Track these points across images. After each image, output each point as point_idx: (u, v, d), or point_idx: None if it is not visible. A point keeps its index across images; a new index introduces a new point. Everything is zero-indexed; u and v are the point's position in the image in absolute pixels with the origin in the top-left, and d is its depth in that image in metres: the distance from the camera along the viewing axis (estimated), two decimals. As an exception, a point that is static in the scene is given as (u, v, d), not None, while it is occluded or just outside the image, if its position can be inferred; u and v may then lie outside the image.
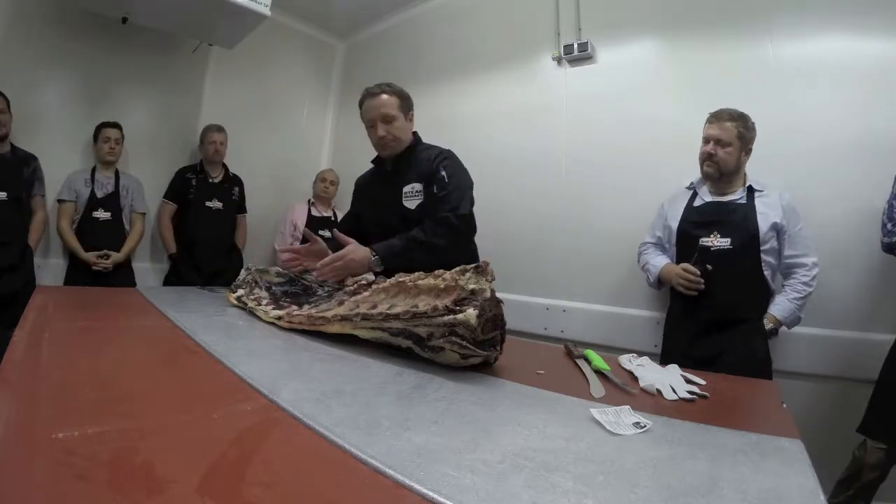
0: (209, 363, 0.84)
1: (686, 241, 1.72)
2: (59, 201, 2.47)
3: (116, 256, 2.51)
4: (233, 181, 2.98)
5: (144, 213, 2.74)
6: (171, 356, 0.92)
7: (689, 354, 1.60)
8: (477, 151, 2.80)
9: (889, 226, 1.52)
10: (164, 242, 2.85)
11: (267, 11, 2.40)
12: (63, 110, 2.61)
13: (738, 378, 1.07)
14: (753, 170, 1.75)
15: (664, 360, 1.68)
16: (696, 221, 1.71)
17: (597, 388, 0.82)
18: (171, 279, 2.80)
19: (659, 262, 1.81)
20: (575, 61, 2.50)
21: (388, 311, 0.93)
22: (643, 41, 2.34)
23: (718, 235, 1.63)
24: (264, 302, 1.32)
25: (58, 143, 2.57)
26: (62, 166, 2.54)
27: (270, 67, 3.49)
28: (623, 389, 0.82)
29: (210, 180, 2.87)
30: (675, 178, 2.12)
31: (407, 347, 0.94)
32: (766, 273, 1.64)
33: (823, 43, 1.89)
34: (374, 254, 1.39)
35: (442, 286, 0.91)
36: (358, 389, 0.74)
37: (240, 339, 1.06)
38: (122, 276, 2.55)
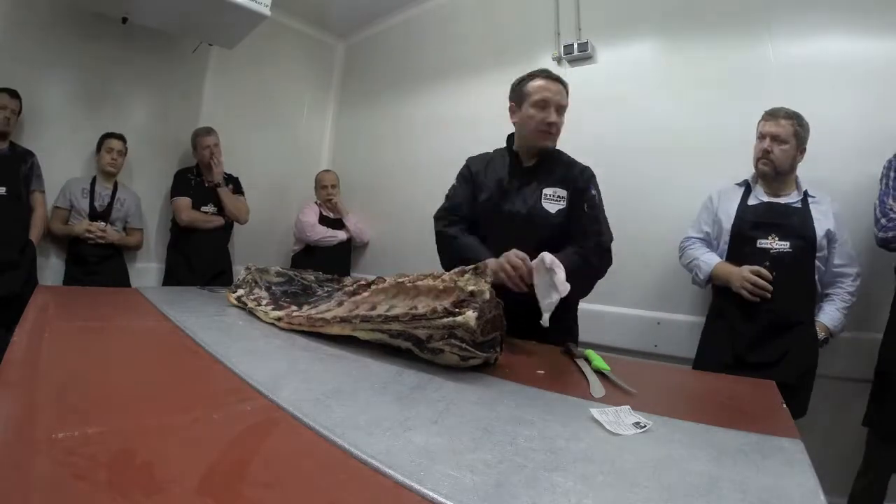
0: (209, 363, 0.84)
1: (741, 241, 1.65)
2: (55, 207, 2.46)
3: (111, 233, 2.49)
4: (227, 181, 2.93)
5: (142, 229, 2.73)
6: (172, 356, 0.92)
7: (747, 360, 1.56)
8: (477, 152, 2.80)
9: (883, 221, 1.52)
10: (202, 219, 2.79)
11: (267, 11, 2.40)
12: (63, 110, 2.61)
13: (739, 378, 1.08)
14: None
15: (702, 364, 1.67)
16: (752, 222, 1.64)
17: (597, 388, 0.82)
18: (167, 280, 2.79)
19: (710, 259, 1.71)
20: (575, 61, 2.50)
21: (388, 314, 0.93)
22: (643, 41, 2.34)
23: (777, 238, 1.58)
24: (264, 302, 1.32)
25: (57, 142, 2.56)
26: (61, 166, 2.53)
27: (270, 67, 3.49)
28: (624, 389, 0.82)
29: (206, 185, 2.85)
30: (676, 177, 2.13)
31: (406, 349, 0.94)
32: (817, 278, 1.62)
33: (823, 43, 1.89)
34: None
35: (441, 287, 0.91)
36: (358, 389, 0.74)
37: (240, 339, 1.06)
38: (115, 267, 2.55)
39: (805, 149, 1.64)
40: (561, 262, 1.15)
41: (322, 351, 1.00)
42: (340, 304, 1.12)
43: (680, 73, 2.21)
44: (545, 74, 1.47)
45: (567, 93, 1.50)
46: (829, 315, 1.61)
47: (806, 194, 1.64)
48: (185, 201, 2.77)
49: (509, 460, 0.52)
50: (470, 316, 0.81)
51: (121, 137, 2.56)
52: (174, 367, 0.87)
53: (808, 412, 1.66)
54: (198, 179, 2.84)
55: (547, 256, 1.13)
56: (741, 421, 0.70)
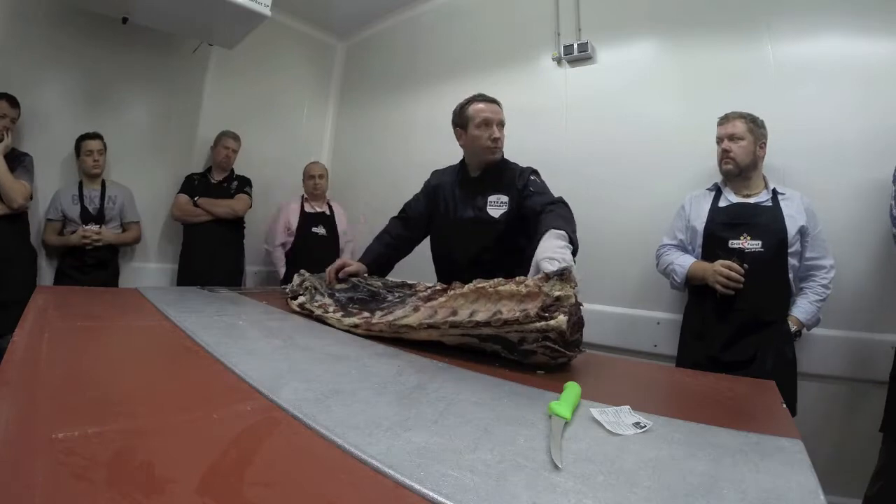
0: (209, 363, 0.84)
1: (714, 243, 1.68)
2: (48, 220, 2.45)
3: (106, 234, 2.48)
4: (231, 179, 2.93)
5: (138, 222, 2.71)
6: (171, 356, 0.92)
7: (721, 359, 1.59)
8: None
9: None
10: (191, 214, 2.80)
11: (267, 12, 2.40)
12: (63, 110, 2.61)
13: (738, 378, 1.07)
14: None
15: (682, 363, 1.69)
16: (724, 223, 1.68)
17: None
18: (180, 279, 2.80)
19: (685, 261, 1.74)
20: (575, 62, 2.50)
21: (478, 319, 0.97)
22: (643, 41, 2.34)
23: (749, 238, 1.61)
24: (331, 309, 1.32)
25: (57, 142, 2.56)
26: (61, 167, 2.54)
27: (270, 68, 3.49)
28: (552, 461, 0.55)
29: (211, 181, 2.86)
30: (675, 178, 2.13)
31: (493, 351, 1.00)
32: (790, 275, 1.64)
33: (823, 43, 1.89)
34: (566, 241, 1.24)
35: (524, 292, 0.97)
36: (358, 389, 0.74)
37: (240, 339, 1.06)
38: (108, 276, 2.54)
39: (765, 145, 1.69)
40: (558, 232, 1.25)
41: (322, 351, 1.00)
42: (417, 309, 1.14)
43: (680, 73, 2.21)
44: (482, 98, 1.68)
45: (502, 110, 1.68)
46: (802, 308, 1.62)
47: (775, 192, 1.67)
48: (181, 197, 2.80)
49: (509, 460, 0.52)
50: (562, 320, 0.88)
51: (97, 137, 2.52)
52: (174, 367, 0.87)
53: (808, 412, 1.66)
54: (203, 179, 2.85)
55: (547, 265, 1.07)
56: (741, 421, 0.70)
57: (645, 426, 0.65)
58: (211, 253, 2.79)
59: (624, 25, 2.37)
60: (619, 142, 2.31)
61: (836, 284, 1.72)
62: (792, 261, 1.61)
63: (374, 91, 3.59)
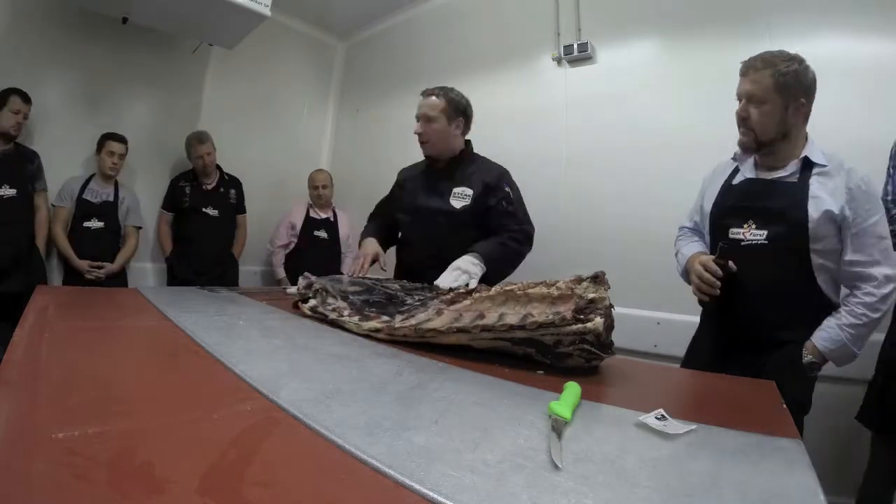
0: (209, 363, 0.84)
1: (716, 233, 1.32)
2: (54, 206, 2.47)
3: (110, 267, 2.51)
4: (229, 184, 2.96)
5: (140, 228, 2.73)
6: (171, 356, 0.92)
7: (742, 364, 1.16)
8: (476, 151, 2.80)
9: (894, 210, 1.46)
10: (162, 249, 2.88)
11: (267, 12, 2.40)
12: (63, 110, 2.61)
13: (738, 378, 1.06)
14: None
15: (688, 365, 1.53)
16: (730, 206, 1.30)
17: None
18: (170, 280, 2.80)
19: (689, 249, 1.39)
20: (575, 62, 2.50)
21: (510, 322, 0.96)
22: (643, 41, 2.34)
23: (753, 226, 1.22)
24: (346, 313, 1.27)
25: (57, 142, 2.57)
26: (61, 166, 2.53)
27: (270, 68, 3.49)
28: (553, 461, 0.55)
29: (204, 188, 2.86)
30: (675, 178, 2.13)
31: (525, 354, 0.99)
32: (822, 281, 1.19)
33: (823, 43, 1.89)
34: (477, 259, 1.54)
35: (556, 294, 0.97)
36: (358, 389, 0.74)
37: (240, 339, 1.06)
38: (116, 285, 2.55)
39: (804, 103, 1.22)
40: (493, 251, 1.56)
41: (322, 351, 1.00)
42: (440, 312, 1.11)
43: (680, 72, 2.21)
44: (421, 92, 1.75)
45: (440, 100, 1.70)
46: (824, 332, 1.17)
47: (807, 163, 1.21)
48: (164, 217, 2.85)
49: (509, 460, 0.52)
50: (598, 322, 0.89)
51: (122, 140, 2.55)
52: (174, 367, 0.86)
53: (809, 412, 1.66)
54: (194, 184, 2.84)
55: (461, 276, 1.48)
56: (741, 421, 0.70)
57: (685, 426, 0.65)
58: (203, 253, 2.80)
59: (624, 25, 2.37)
60: (619, 142, 2.31)
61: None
62: (821, 260, 1.18)
63: (374, 91, 3.59)
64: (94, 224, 2.51)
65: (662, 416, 0.67)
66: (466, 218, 1.66)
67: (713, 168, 1.47)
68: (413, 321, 1.12)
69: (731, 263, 1.21)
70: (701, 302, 1.34)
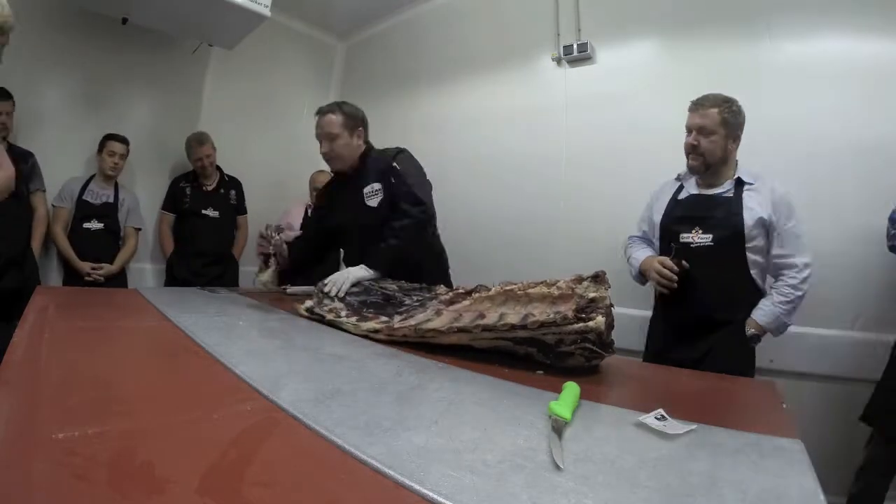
0: (209, 363, 0.84)
1: (667, 237, 1.60)
2: (54, 206, 2.46)
3: (110, 268, 2.50)
4: (229, 185, 2.95)
5: (140, 229, 2.73)
6: (171, 356, 0.92)
7: (668, 356, 1.50)
8: (476, 152, 2.80)
9: (890, 228, 1.51)
10: (163, 250, 2.87)
11: (267, 12, 2.40)
12: (63, 111, 2.61)
13: (739, 378, 1.07)
14: (750, 165, 1.73)
15: (647, 359, 1.64)
16: (679, 216, 1.59)
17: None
18: (169, 281, 2.80)
19: (641, 254, 1.69)
20: (574, 62, 2.49)
21: (511, 322, 0.96)
22: (643, 42, 2.34)
23: (700, 231, 1.51)
24: (343, 314, 1.27)
25: (57, 143, 2.56)
26: (61, 167, 2.53)
27: (270, 68, 3.48)
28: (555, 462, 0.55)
29: (204, 189, 2.84)
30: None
31: (525, 354, 0.99)
32: (754, 273, 1.51)
33: (823, 43, 1.89)
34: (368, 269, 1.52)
35: (556, 294, 0.99)
36: (358, 389, 0.74)
37: (240, 340, 1.06)
38: (116, 285, 2.54)
39: (739, 136, 1.54)
40: (381, 258, 1.54)
41: (322, 351, 1.00)
42: (439, 312, 1.12)
43: (680, 73, 2.21)
44: (316, 112, 1.83)
45: (336, 117, 1.79)
46: (763, 311, 1.47)
47: (739, 182, 1.53)
48: (165, 218, 2.84)
49: (509, 460, 0.52)
50: (600, 321, 0.89)
51: (124, 140, 2.54)
52: (174, 367, 0.87)
53: (808, 412, 1.67)
54: (194, 185, 2.83)
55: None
56: (741, 421, 0.70)
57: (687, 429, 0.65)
58: (203, 252, 2.80)
59: (624, 26, 2.37)
60: (619, 142, 2.31)
61: (835, 285, 1.71)
62: (754, 256, 1.49)
63: (374, 91, 3.59)
64: (94, 225, 2.50)
65: (662, 416, 0.67)
66: (387, 210, 1.68)
67: (659, 187, 1.75)
68: (412, 321, 1.12)
69: (683, 262, 1.49)
70: (660, 294, 1.62)
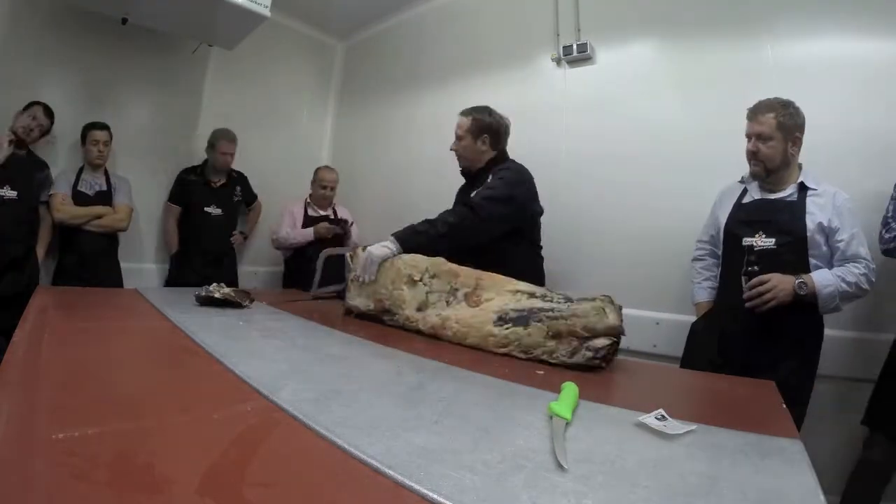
0: (209, 363, 0.84)
1: (731, 240, 1.63)
2: (51, 195, 2.41)
3: (106, 212, 2.48)
4: (235, 181, 2.95)
5: (128, 204, 2.66)
6: (171, 356, 0.92)
7: (744, 362, 1.45)
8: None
9: (883, 232, 1.52)
10: (168, 244, 2.86)
11: (267, 12, 2.40)
12: (63, 111, 2.60)
13: (738, 378, 1.07)
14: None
15: (690, 364, 1.64)
16: (742, 220, 1.60)
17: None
18: (171, 279, 2.80)
19: (700, 294, 1.78)
20: (574, 62, 2.49)
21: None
22: (643, 42, 2.34)
23: (763, 235, 1.53)
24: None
25: (57, 143, 2.56)
26: (61, 166, 2.53)
27: (270, 68, 3.49)
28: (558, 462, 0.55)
29: (212, 185, 2.84)
30: (674, 178, 2.13)
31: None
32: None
33: (823, 43, 1.89)
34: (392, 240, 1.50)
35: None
36: (358, 389, 0.74)
37: (240, 340, 1.06)
38: (109, 265, 2.55)
39: (799, 138, 1.54)
40: (402, 231, 1.52)
41: (322, 351, 1.00)
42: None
43: (679, 73, 2.21)
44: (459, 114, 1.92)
45: (467, 119, 1.88)
46: (821, 273, 1.45)
47: (803, 186, 1.54)
48: (171, 210, 2.83)
49: (509, 460, 0.52)
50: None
51: (104, 127, 2.52)
52: (174, 367, 0.87)
53: (809, 412, 1.66)
54: (202, 180, 2.82)
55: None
56: (741, 421, 0.70)
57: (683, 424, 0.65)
58: (205, 252, 2.80)
59: (623, 26, 2.37)
60: (619, 142, 2.31)
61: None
62: (815, 262, 1.48)
63: (374, 91, 3.59)
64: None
65: (662, 416, 0.67)
66: None
67: (721, 190, 1.77)
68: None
69: (755, 267, 1.52)
70: (721, 301, 1.69)
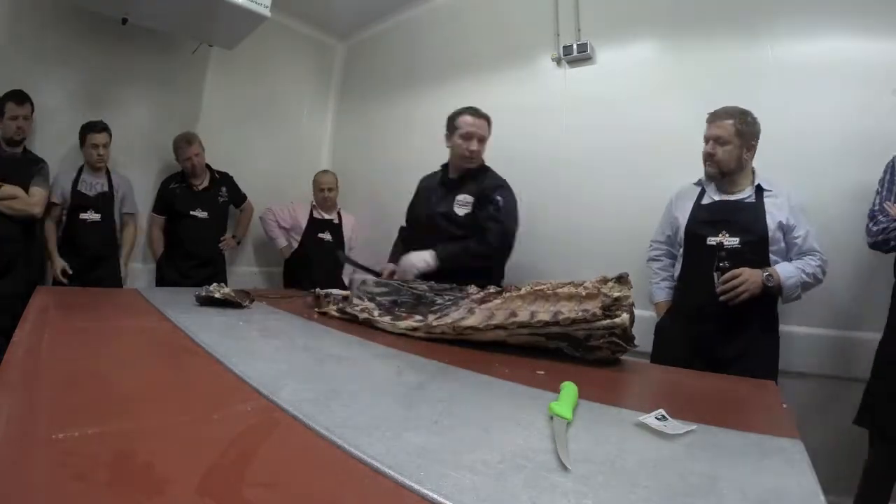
0: (209, 363, 0.84)
1: (694, 240, 1.69)
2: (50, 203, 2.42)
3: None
4: (220, 182, 2.92)
5: (135, 214, 2.71)
6: (171, 356, 0.92)
7: (711, 356, 1.56)
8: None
9: (870, 225, 1.55)
10: (153, 251, 2.86)
11: (267, 12, 2.40)
12: (63, 111, 2.61)
13: (739, 378, 1.08)
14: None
15: (659, 360, 1.66)
16: (704, 220, 1.68)
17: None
18: (159, 283, 2.80)
19: (659, 294, 1.86)
20: (574, 62, 2.49)
21: (544, 319, 1.05)
22: (643, 42, 2.34)
23: (727, 234, 1.60)
24: (376, 313, 1.31)
25: (57, 143, 2.55)
26: (61, 166, 2.53)
27: (270, 68, 3.49)
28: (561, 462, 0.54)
29: (194, 189, 2.82)
30: (675, 179, 2.12)
31: (556, 347, 1.06)
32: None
33: (823, 43, 1.89)
34: (433, 255, 1.71)
35: (584, 294, 1.09)
36: (358, 389, 0.74)
37: (240, 340, 1.06)
38: (110, 269, 2.54)
39: (754, 145, 1.63)
40: (452, 248, 1.75)
41: (322, 351, 1.00)
42: (472, 311, 1.19)
43: (679, 73, 2.21)
44: (471, 112, 1.90)
45: (489, 126, 1.91)
46: (784, 266, 1.55)
47: (759, 189, 1.63)
48: (156, 221, 2.85)
49: (509, 460, 0.52)
50: (625, 318, 0.99)
51: (103, 129, 2.48)
52: (174, 367, 0.87)
53: (808, 412, 1.66)
54: (183, 186, 2.81)
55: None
56: (741, 421, 0.70)
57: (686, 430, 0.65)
58: (191, 254, 2.79)
59: (623, 26, 2.37)
60: (618, 142, 2.31)
61: (834, 284, 1.71)
62: (774, 257, 1.58)
63: (375, 91, 3.59)
64: (91, 216, 2.46)
65: (662, 416, 0.67)
66: (468, 223, 1.81)
67: (676, 192, 1.86)
68: (449, 319, 1.17)
69: (725, 263, 1.58)
70: (681, 299, 1.78)
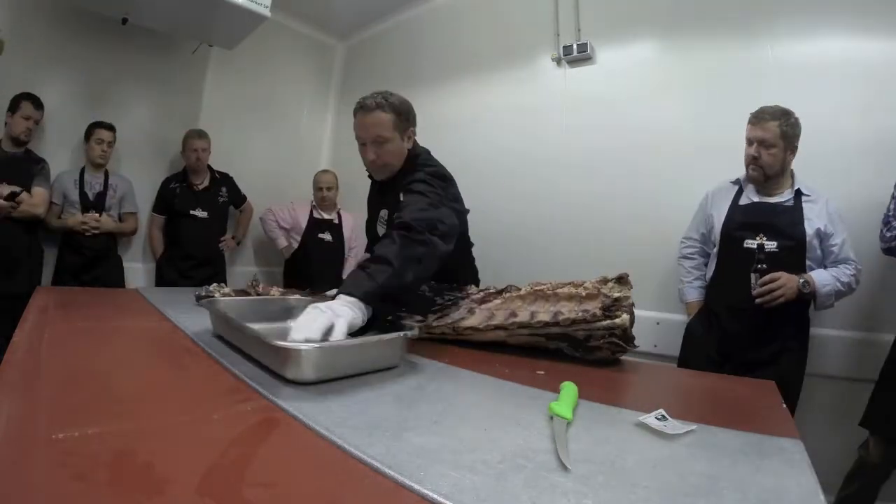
0: (209, 363, 0.84)
1: (730, 241, 1.66)
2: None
3: (105, 221, 2.47)
4: (220, 183, 2.93)
5: (136, 213, 2.72)
6: (171, 356, 0.92)
7: (737, 359, 1.58)
8: (475, 152, 2.80)
9: (884, 231, 1.53)
10: (153, 251, 2.87)
11: (267, 12, 2.40)
12: (63, 111, 2.61)
13: (739, 378, 1.08)
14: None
15: (687, 362, 1.69)
16: (741, 222, 1.65)
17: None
18: (158, 282, 2.80)
19: (690, 293, 1.82)
20: (574, 62, 2.50)
21: (544, 319, 1.04)
22: (643, 42, 2.34)
23: (765, 238, 1.58)
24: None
25: (57, 142, 2.56)
26: (61, 166, 2.53)
27: (270, 68, 3.49)
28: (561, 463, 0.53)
29: (194, 188, 2.83)
30: (674, 178, 2.13)
31: (556, 348, 1.06)
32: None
33: (823, 43, 1.89)
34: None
35: (584, 294, 1.09)
36: (358, 390, 0.74)
37: (240, 340, 1.06)
38: (111, 265, 2.56)
39: (796, 147, 1.61)
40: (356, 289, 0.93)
41: (322, 351, 0.99)
42: (472, 311, 1.18)
43: (680, 73, 2.21)
44: (357, 106, 1.32)
45: (385, 111, 1.29)
46: (819, 273, 1.54)
47: (798, 193, 1.61)
48: (155, 220, 2.85)
49: (509, 460, 0.52)
50: (625, 318, 0.99)
51: (110, 127, 2.53)
52: (174, 367, 0.86)
53: (807, 412, 1.66)
54: (183, 185, 2.82)
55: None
56: (741, 421, 0.70)
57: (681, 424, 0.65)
58: (190, 254, 2.79)
59: (624, 26, 2.37)
60: (618, 142, 2.31)
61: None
62: (810, 263, 1.56)
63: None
64: (94, 216, 2.48)
65: (662, 416, 0.67)
66: None
67: (712, 190, 1.80)
68: (449, 319, 1.17)
69: (762, 265, 1.56)
70: (714, 301, 1.73)
